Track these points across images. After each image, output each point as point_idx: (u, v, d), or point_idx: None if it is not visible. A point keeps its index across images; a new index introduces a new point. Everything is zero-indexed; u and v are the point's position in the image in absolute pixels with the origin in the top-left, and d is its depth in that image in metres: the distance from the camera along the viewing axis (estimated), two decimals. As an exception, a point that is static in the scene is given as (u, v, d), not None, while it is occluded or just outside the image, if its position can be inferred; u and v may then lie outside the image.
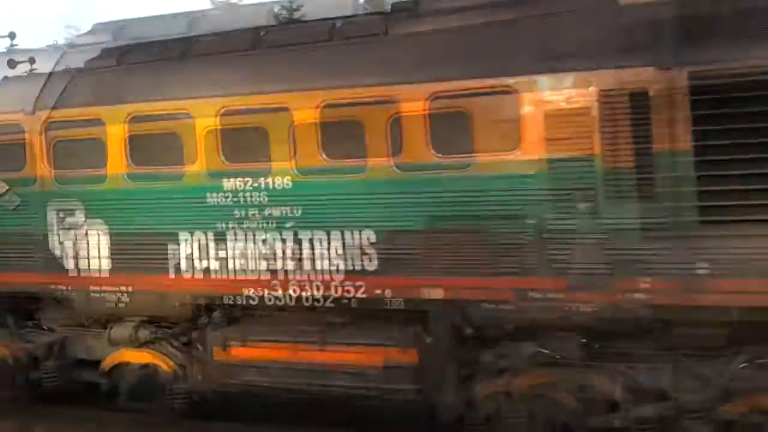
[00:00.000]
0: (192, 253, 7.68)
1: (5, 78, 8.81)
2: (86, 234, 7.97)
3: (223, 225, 7.55)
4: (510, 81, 6.44)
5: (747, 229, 5.78)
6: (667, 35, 5.94)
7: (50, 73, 8.38)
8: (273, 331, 7.78)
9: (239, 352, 7.70)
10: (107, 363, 8.71)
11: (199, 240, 7.64)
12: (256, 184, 7.38)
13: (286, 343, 7.56)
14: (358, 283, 7.18)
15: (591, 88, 6.14)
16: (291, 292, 7.42)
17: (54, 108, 7.86)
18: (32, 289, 8.42)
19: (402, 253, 7.01)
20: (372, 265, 7.11)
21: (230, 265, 7.56)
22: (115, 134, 7.67)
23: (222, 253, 7.59)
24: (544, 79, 6.32)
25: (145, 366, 8.51)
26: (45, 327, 8.91)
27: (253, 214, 7.46)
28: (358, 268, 7.17)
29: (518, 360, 6.79)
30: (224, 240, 7.57)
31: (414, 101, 6.72)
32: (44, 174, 7.95)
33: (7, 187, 8.09)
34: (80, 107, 7.85)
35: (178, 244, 7.74)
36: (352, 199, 7.14)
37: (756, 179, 5.74)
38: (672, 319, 6.07)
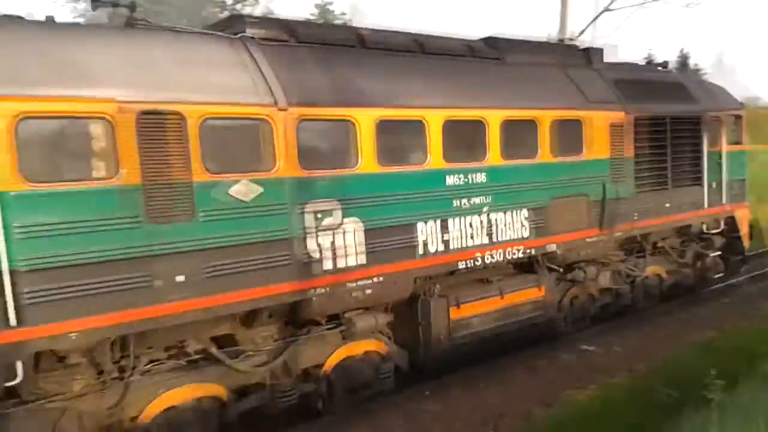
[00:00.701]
0: (426, 239, 9.14)
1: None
2: (344, 232, 8.24)
3: (446, 213, 9.40)
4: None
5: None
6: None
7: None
8: (476, 290, 10.16)
9: (465, 309, 9.61)
10: (333, 360, 8.67)
11: (431, 227, 9.19)
12: (466, 180, 9.62)
13: (484, 298, 9.97)
14: (518, 246, 10.39)
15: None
16: (485, 258, 9.91)
17: (307, 105, 7.94)
18: (283, 299, 7.78)
19: (539, 221, 10.61)
20: (526, 232, 10.47)
21: (451, 245, 9.44)
22: (367, 135, 8.46)
23: (446, 236, 9.37)
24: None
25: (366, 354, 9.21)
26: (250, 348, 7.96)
27: (465, 203, 9.63)
28: (519, 236, 10.37)
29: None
30: (446, 225, 9.40)
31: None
32: (294, 174, 7.82)
33: (261, 190, 7.58)
34: (332, 107, 8.17)
35: (417, 232, 9.04)
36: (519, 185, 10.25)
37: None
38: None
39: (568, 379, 10.51)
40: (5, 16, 6.63)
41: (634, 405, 8.68)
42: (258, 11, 42.40)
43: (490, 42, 11.10)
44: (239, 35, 8.00)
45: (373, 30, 9.64)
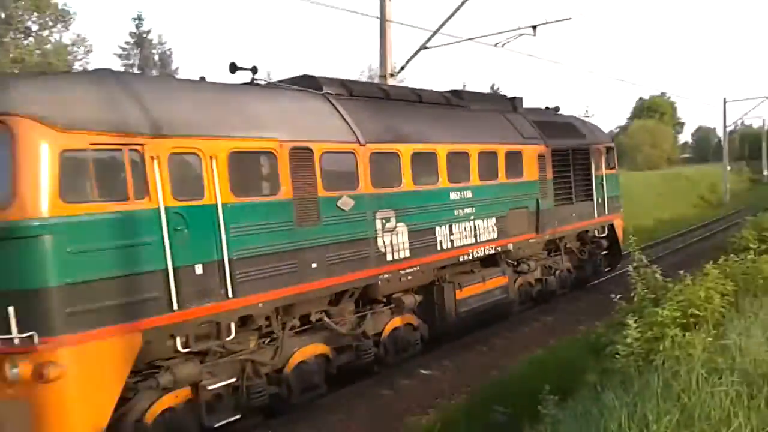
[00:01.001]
0: (441, 239, 12.34)
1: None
2: (398, 233, 11.32)
3: (451, 220, 12.64)
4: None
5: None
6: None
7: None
8: (469, 278, 13.37)
9: (465, 291, 13.01)
10: (388, 329, 11.83)
11: (444, 229, 12.42)
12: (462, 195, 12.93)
13: (475, 283, 13.39)
14: (491, 245, 13.88)
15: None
16: (474, 253, 13.29)
17: (375, 142, 11.02)
18: (363, 283, 10.74)
19: (501, 227, 14.12)
20: (495, 235, 13.97)
21: (455, 244, 12.72)
22: (406, 162, 11.59)
23: (452, 237, 12.59)
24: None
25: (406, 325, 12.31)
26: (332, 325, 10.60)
27: (461, 213, 12.87)
28: (491, 238, 13.82)
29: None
30: (452, 229, 12.62)
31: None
32: (370, 191, 10.78)
33: (353, 203, 10.55)
34: (388, 143, 11.32)
35: (436, 234, 12.22)
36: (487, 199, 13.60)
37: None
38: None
39: (409, 405, 11.08)
40: (198, 80, 9.39)
41: (474, 427, 9.31)
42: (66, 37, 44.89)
43: (457, 94, 14.92)
44: (323, 92, 11.03)
45: (391, 86, 13.87)
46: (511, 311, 15.31)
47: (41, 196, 6.69)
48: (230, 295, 8.38)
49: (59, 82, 7.87)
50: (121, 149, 7.40)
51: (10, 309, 6.56)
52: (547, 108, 18.70)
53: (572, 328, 14.76)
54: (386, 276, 11.11)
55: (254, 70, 10.34)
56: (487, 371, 12.72)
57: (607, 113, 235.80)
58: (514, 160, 14.66)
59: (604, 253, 19.08)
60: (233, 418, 8.82)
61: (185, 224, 7.89)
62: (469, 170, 13.25)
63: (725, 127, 58.90)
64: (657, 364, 5.57)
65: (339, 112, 10.82)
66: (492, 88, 74.55)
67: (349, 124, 10.76)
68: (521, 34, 17.10)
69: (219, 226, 8.25)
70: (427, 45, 17.19)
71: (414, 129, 12.19)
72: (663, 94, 70.56)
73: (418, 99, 13.23)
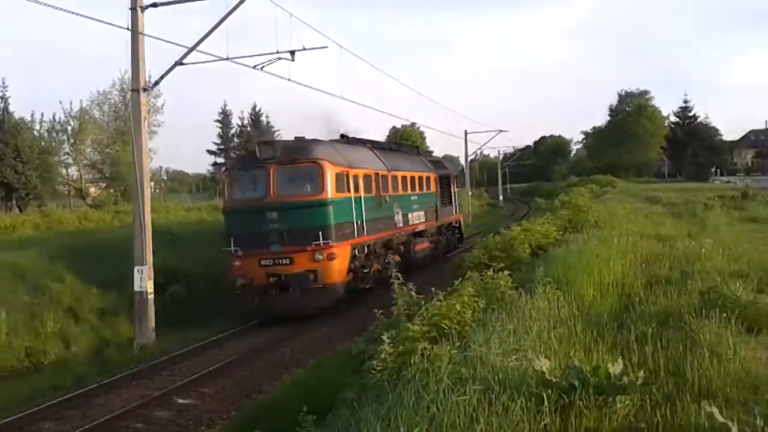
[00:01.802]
0: (410, 219, 25.14)
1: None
2: (400, 213, 23.96)
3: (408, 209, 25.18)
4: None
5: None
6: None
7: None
8: (416, 240, 25.94)
9: (417, 246, 25.62)
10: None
11: (409, 216, 25.06)
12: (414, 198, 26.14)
13: (419, 243, 26.27)
14: (424, 225, 26.84)
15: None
16: (418, 228, 26.09)
17: (391, 170, 24.15)
18: (390, 236, 23.10)
19: (424, 216, 27.09)
20: (424, 219, 26.97)
21: (411, 222, 25.36)
22: (399, 181, 24.63)
23: (411, 219, 25.21)
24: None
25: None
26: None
27: (415, 206, 25.96)
28: (423, 221, 26.81)
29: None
30: (410, 216, 25.17)
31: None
32: (392, 194, 23.28)
33: (389, 199, 22.99)
34: (395, 171, 24.46)
35: (408, 217, 24.98)
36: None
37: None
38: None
39: None
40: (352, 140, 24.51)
41: None
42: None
43: (399, 145, 32.84)
44: (368, 146, 24.27)
45: (389, 141, 35.86)
46: (434, 259, 28.24)
47: (329, 191, 18.31)
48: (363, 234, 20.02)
49: (330, 144, 20.68)
50: (347, 173, 19.36)
51: (320, 232, 17.70)
52: (430, 153, 39.76)
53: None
54: (396, 234, 23.45)
55: (343, 135, 23.92)
56: (249, 395, 12.67)
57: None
58: (427, 181, 28.21)
59: (457, 236, 33.61)
60: (368, 286, 20.44)
61: (362, 204, 19.86)
62: (415, 185, 26.39)
63: (467, 156, 66.53)
64: (408, 378, 5.78)
65: (377, 156, 23.49)
66: (254, 109, 74.54)
67: (383, 162, 23.35)
68: (279, 58, 17.27)
69: (361, 206, 19.81)
70: (184, 61, 16.62)
71: (399, 164, 25.34)
72: (413, 124, 76.50)
73: (396, 148, 29.65)
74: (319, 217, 17.84)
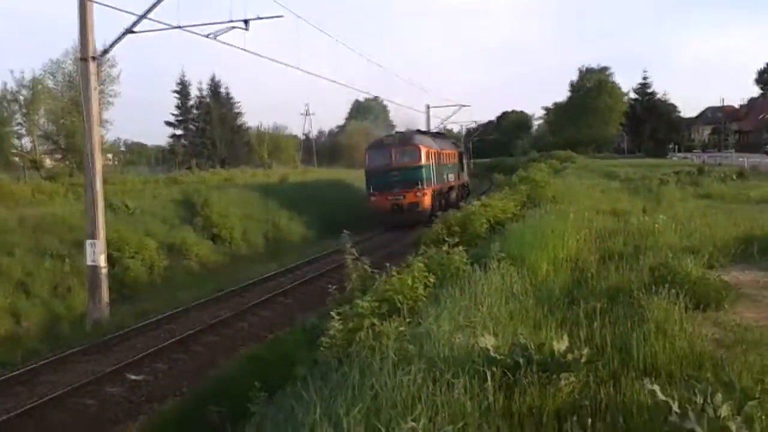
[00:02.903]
0: (448, 178, 42.26)
1: None
2: (443, 174, 40.71)
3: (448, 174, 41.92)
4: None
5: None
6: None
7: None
8: (452, 190, 42.68)
9: (451, 194, 41.41)
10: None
11: (447, 176, 41.42)
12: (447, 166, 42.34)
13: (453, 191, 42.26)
14: (453, 183, 43.53)
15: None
16: (451, 184, 42.59)
17: (440, 149, 40.75)
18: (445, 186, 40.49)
19: (453, 176, 44.42)
20: (453, 179, 44.09)
21: (448, 179, 42.51)
22: (443, 156, 41.80)
23: (448, 179, 42.04)
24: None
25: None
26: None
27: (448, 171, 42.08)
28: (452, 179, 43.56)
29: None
30: (448, 176, 42.20)
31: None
32: (442, 163, 40.64)
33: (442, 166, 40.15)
34: (441, 150, 41.23)
35: (446, 177, 41.16)
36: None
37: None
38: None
39: (116, 413, 10.81)
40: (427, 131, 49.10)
41: (186, 429, 9.11)
42: None
43: (437, 133, 51.30)
44: (430, 134, 45.21)
45: (437, 132, 53.33)
46: (457, 201, 37.88)
47: (423, 160, 34.09)
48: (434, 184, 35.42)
49: (421, 135, 40.32)
50: (428, 151, 35.35)
51: (418, 182, 33.14)
52: (448, 131, 63.44)
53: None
54: (445, 187, 39.16)
55: (419, 130, 45.19)
56: (204, 371, 12.44)
57: (326, 112, 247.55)
58: (454, 156, 44.60)
59: (467, 191, 48.02)
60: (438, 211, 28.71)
61: (433, 169, 35.67)
62: (450, 158, 42.34)
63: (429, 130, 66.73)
64: (354, 355, 5.70)
65: (435, 141, 39.75)
66: (213, 80, 72.78)
67: (438, 145, 39.41)
68: (233, 27, 16.83)
69: (429, 171, 34.86)
70: (134, 30, 16.10)
71: (442, 145, 41.24)
72: (376, 98, 76.24)
73: (440, 135, 49.72)
74: (418, 174, 33.31)
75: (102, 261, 16.31)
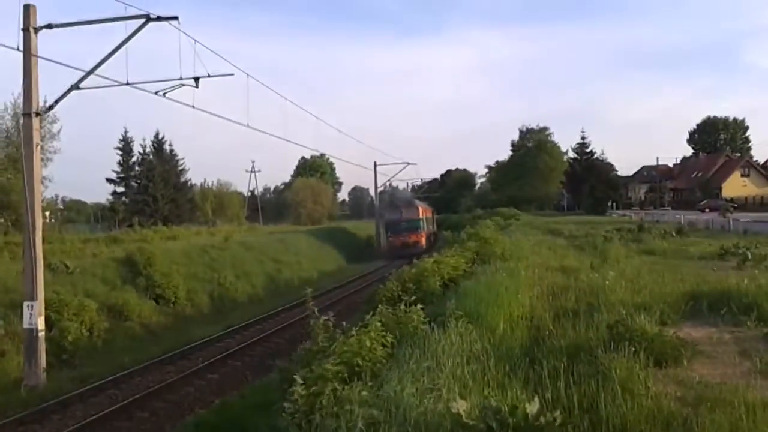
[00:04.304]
0: (425, 227, 68.54)
1: None
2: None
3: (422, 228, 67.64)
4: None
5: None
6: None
7: None
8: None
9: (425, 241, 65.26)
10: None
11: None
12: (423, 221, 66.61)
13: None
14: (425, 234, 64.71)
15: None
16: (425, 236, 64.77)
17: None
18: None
19: (425, 231, 66.60)
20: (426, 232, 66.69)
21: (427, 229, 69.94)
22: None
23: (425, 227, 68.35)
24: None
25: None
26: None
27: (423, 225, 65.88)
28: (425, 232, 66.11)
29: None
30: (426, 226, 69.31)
31: None
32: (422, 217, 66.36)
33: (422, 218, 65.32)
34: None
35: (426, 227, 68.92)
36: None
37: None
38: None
39: None
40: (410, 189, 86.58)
41: None
42: None
43: (425, 195, 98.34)
44: (422, 197, 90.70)
45: (421, 195, 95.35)
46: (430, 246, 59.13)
47: (421, 215, 63.16)
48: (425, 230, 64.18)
49: (419, 200, 75.51)
50: (423, 209, 66.07)
51: (418, 228, 60.63)
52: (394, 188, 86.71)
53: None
54: (427, 233, 64.81)
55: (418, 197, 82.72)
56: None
57: (272, 169, 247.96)
58: (430, 212, 72.24)
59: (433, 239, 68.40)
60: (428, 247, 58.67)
61: (425, 221, 64.05)
62: (428, 214, 68.46)
63: (376, 187, 71.17)
64: (317, 423, 5.45)
65: (423, 202, 75.32)
66: (156, 136, 71.76)
67: (425, 205, 71.77)
68: (183, 85, 16.71)
69: (423, 222, 62.57)
70: (81, 86, 15.81)
71: (424, 206, 70.21)
72: (322, 155, 76.65)
73: (424, 197, 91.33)
74: (418, 224, 59.75)
75: (40, 324, 15.58)
